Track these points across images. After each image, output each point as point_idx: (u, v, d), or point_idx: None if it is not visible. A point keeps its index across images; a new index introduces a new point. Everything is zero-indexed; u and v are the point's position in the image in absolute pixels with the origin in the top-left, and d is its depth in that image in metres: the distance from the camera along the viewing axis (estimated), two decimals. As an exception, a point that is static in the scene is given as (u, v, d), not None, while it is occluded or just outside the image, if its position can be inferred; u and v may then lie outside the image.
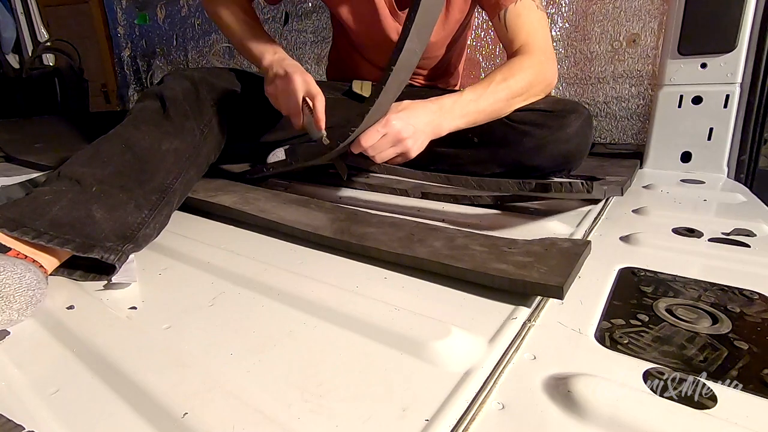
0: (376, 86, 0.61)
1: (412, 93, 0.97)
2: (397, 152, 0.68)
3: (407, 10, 0.80)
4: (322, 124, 0.75)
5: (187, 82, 0.78)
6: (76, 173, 0.59)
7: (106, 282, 0.50)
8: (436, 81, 1.09)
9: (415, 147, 0.69)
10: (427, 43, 0.63)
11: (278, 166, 0.86)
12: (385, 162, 0.70)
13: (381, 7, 0.88)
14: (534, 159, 0.83)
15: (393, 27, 0.91)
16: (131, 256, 0.54)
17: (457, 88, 1.13)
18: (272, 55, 0.81)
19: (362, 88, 1.03)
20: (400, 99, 0.75)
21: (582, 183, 0.55)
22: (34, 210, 0.52)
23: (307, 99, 0.77)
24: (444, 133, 0.71)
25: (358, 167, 0.82)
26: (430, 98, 0.71)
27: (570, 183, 0.56)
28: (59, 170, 0.60)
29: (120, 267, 0.53)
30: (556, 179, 0.57)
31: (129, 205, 0.59)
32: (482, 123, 0.75)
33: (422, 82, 1.08)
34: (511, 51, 0.81)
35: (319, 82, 1.06)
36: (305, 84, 0.75)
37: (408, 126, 0.67)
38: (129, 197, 0.60)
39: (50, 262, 0.50)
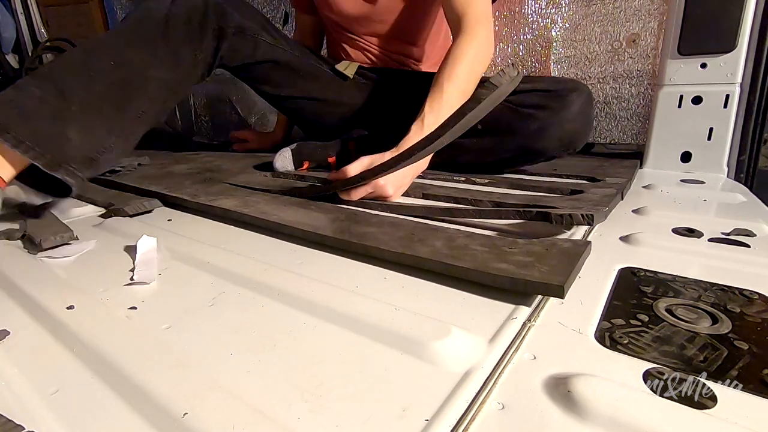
0: (393, 160, 0.66)
1: (379, 77, 1.06)
2: (378, 199, 0.74)
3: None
4: None
5: (200, 2, 0.80)
6: (62, 82, 0.62)
7: (127, 282, 0.50)
8: (397, 54, 1.10)
9: (398, 195, 0.75)
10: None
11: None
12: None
13: None
14: (538, 142, 0.83)
15: None
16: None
17: (426, 69, 1.14)
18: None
19: (347, 68, 1.06)
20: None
21: (582, 215, 0.57)
22: (19, 115, 0.55)
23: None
24: (426, 165, 0.78)
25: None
26: (401, 147, 0.72)
27: (570, 215, 0.57)
28: (50, 68, 0.64)
29: (75, 190, 0.59)
30: (557, 211, 0.58)
31: (101, 129, 0.64)
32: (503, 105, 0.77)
33: (377, 51, 1.09)
34: (457, 30, 0.83)
35: (310, 53, 1.10)
36: None
37: (393, 185, 0.72)
38: (103, 122, 0.64)
39: (8, 172, 0.55)
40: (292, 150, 1.00)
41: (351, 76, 1.06)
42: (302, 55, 1.04)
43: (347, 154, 0.99)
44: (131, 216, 0.74)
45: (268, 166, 1.01)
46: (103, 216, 0.75)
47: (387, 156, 0.72)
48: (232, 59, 0.90)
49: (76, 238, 0.64)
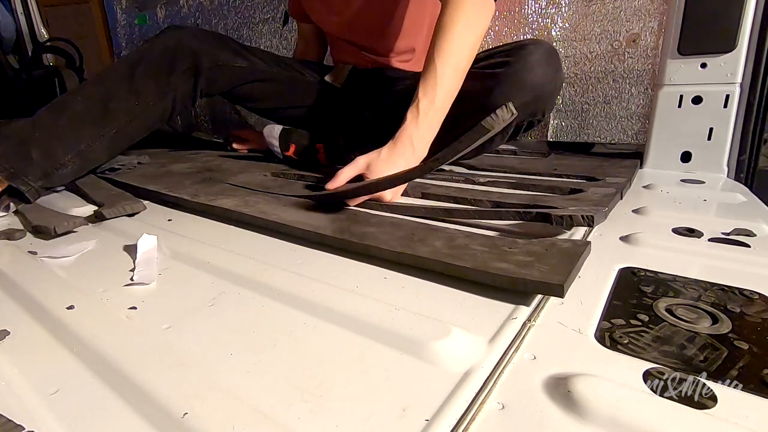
0: (387, 180, 0.65)
1: (374, 76, 1.07)
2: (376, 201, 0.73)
3: None
4: None
5: (171, 42, 0.92)
6: (39, 116, 0.84)
7: (126, 283, 0.50)
8: (394, 54, 1.09)
9: (396, 196, 0.74)
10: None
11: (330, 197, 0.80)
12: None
13: None
14: (498, 98, 0.76)
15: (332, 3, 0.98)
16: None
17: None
18: None
19: (337, 76, 1.08)
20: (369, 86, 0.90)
21: (583, 216, 0.56)
22: None
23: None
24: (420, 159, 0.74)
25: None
26: (399, 139, 0.71)
27: (570, 216, 0.57)
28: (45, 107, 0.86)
29: (28, 197, 0.79)
30: (557, 212, 0.58)
31: (59, 151, 0.82)
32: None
33: (373, 53, 1.08)
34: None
35: (306, 62, 1.15)
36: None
37: (390, 189, 0.70)
38: (61, 145, 0.82)
39: None
40: (283, 129, 1.06)
41: (339, 86, 1.07)
42: (284, 69, 1.08)
43: (337, 148, 0.99)
44: (108, 219, 0.73)
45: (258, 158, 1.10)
46: (88, 219, 0.74)
47: (384, 152, 0.71)
48: (212, 89, 1.00)
49: (86, 224, 0.70)
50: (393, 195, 0.73)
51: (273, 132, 1.06)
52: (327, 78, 1.08)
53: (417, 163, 0.76)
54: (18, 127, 0.81)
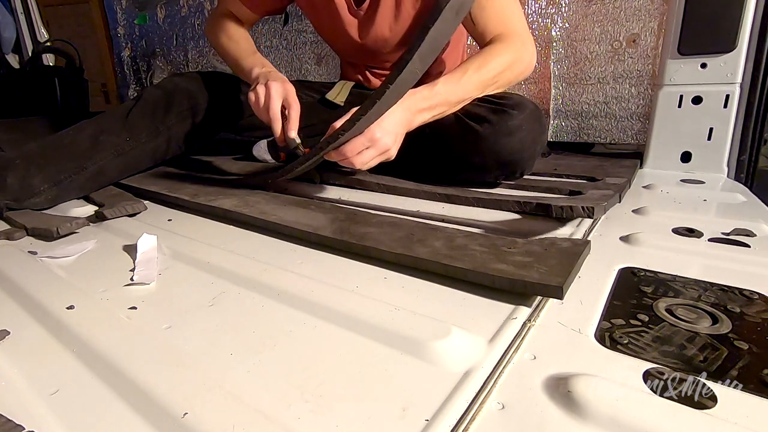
0: (369, 101, 0.60)
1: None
2: (381, 159, 0.69)
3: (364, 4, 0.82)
4: (292, 134, 0.78)
5: (170, 86, 0.94)
6: (28, 145, 0.83)
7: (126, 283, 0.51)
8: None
9: (396, 149, 0.70)
10: (431, 63, 0.61)
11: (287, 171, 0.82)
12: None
13: (341, 6, 0.90)
14: (474, 156, 0.78)
15: (352, 23, 0.93)
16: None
17: None
18: (260, 69, 0.87)
19: (339, 94, 1.07)
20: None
21: (583, 208, 0.56)
22: None
23: (284, 107, 0.80)
24: (414, 127, 0.72)
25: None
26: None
27: (570, 207, 0.56)
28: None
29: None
30: (557, 203, 0.57)
31: (35, 179, 0.80)
32: (452, 113, 0.75)
33: (384, 76, 1.06)
34: (483, 43, 0.78)
35: (303, 81, 1.12)
36: (283, 91, 0.78)
37: (390, 134, 0.67)
38: (39, 171, 0.80)
39: None
40: (268, 142, 1.07)
41: (342, 104, 1.06)
42: None
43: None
44: (109, 219, 0.74)
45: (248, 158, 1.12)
46: (88, 219, 0.74)
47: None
48: (213, 128, 1.00)
49: (89, 224, 0.70)
50: (394, 143, 0.68)
51: (260, 147, 1.09)
52: (328, 96, 1.07)
53: (409, 122, 0.71)
54: (3, 155, 0.82)
